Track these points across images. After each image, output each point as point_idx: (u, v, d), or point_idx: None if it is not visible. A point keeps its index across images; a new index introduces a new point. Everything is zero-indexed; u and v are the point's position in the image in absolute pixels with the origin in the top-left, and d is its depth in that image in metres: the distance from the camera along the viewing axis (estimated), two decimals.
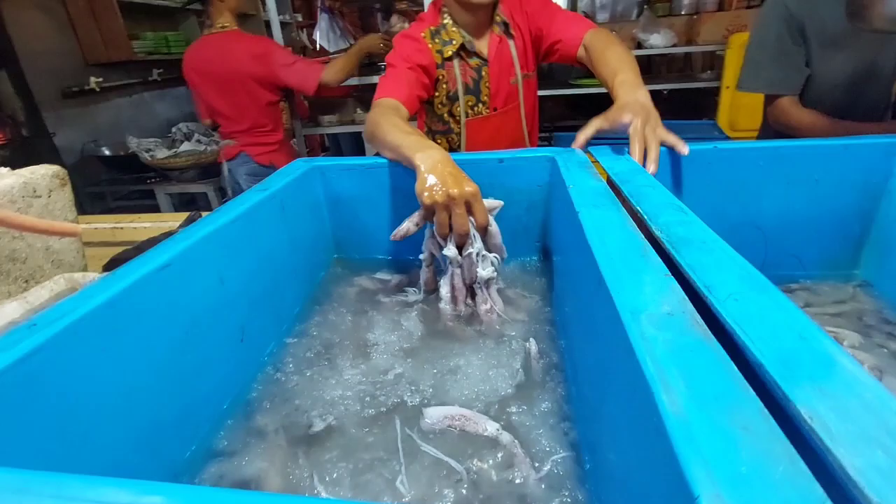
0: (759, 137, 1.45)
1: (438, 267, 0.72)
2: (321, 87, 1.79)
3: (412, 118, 1.00)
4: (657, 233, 0.43)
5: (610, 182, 0.60)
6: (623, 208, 0.50)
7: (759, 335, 0.28)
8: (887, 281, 0.70)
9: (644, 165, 0.65)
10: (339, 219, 0.81)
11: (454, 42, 1.01)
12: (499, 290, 0.69)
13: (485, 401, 0.52)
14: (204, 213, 1.09)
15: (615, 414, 0.34)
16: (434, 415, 0.49)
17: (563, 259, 0.66)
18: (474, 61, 1.05)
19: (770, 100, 1.22)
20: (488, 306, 0.66)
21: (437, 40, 1.02)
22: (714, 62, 2.79)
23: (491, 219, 0.65)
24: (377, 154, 0.79)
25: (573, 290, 0.56)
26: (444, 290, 0.67)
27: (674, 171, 0.71)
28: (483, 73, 1.05)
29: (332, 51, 2.33)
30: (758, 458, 0.20)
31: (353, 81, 1.92)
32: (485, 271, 0.64)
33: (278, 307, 0.67)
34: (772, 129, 1.25)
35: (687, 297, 0.32)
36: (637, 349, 0.27)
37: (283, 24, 4.49)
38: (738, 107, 2.40)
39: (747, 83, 1.23)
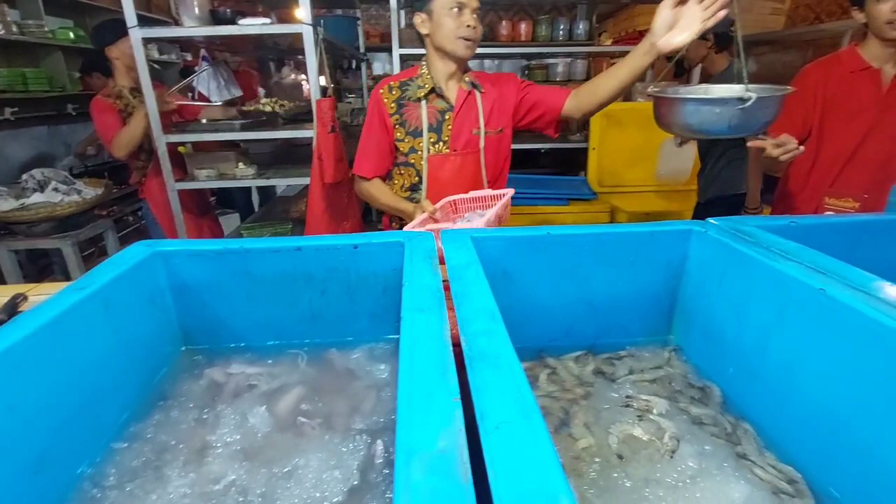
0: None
1: None
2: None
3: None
4: (463, 343, 0.47)
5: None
6: (445, 313, 0.53)
7: (506, 474, 0.31)
8: (692, 346, 0.82)
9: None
10: (187, 307, 0.76)
11: (426, 86, 1.24)
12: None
13: None
14: (36, 295, 0.96)
15: None
16: None
17: None
18: (441, 104, 1.26)
19: None
20: None
21: (394, 92, 1.27)
22: (585, 125, 3.14)
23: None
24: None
25: None
26: None
27: (516, 255, 0.78)
28: (447, 116, 1.26)
29: (217, 101, 2.25)
30: None
31: (236, 136, 1.86)
32: None
33: (98, 419, 0.60)
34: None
35: (463, 429, 0.35)
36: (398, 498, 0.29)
37: (166, 64, 4.27)
38: (603, 167, 2.72)
39: None
